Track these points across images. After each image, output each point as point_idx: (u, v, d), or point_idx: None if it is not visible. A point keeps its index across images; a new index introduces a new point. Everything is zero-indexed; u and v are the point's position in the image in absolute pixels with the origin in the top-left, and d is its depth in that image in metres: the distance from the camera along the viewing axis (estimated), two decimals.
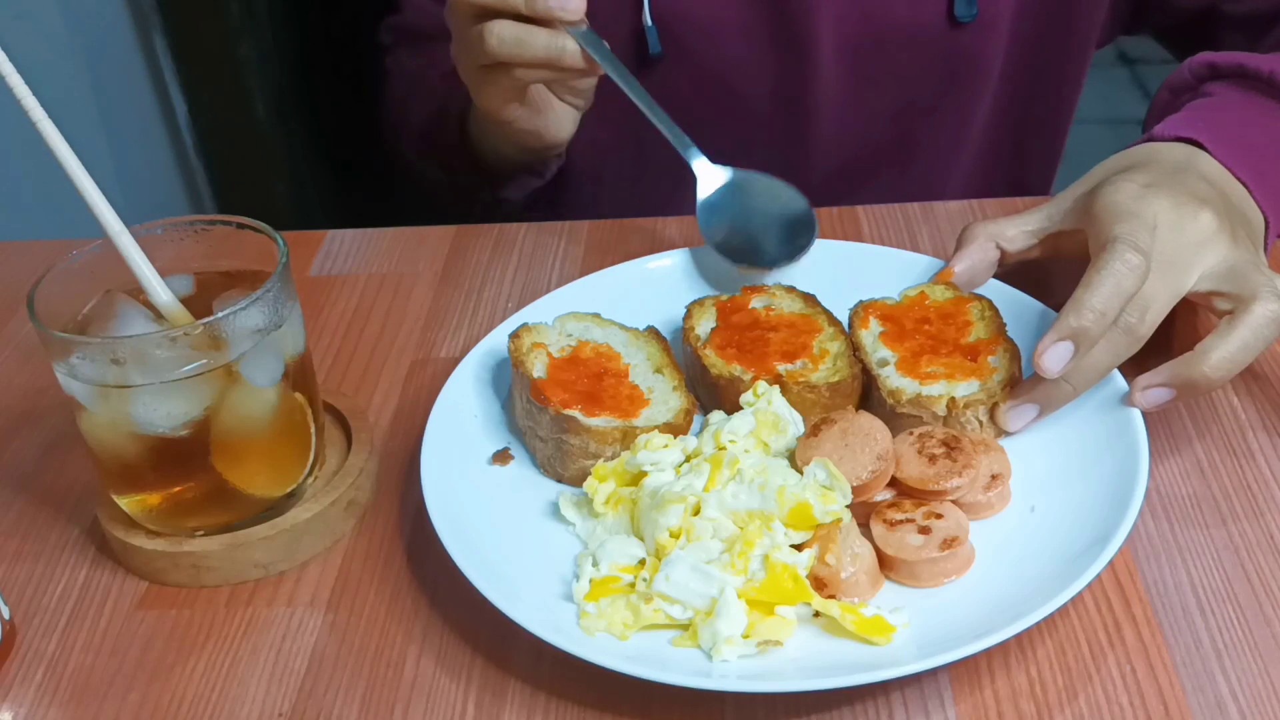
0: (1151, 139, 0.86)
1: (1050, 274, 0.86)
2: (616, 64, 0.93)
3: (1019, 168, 1.25)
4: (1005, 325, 0.81)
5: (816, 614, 0.66)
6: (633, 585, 0.68)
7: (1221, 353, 0.72)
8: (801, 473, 0.71)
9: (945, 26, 1.12)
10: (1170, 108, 0.94)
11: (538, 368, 0.80)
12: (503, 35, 0.91)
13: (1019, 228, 0.85)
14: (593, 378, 0.80)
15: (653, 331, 0.85)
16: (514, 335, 0.82)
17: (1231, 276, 0.75)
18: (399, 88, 1.26)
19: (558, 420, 0.75)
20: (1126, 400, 0.74)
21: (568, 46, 0.92)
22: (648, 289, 0.91)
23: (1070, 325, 0.71)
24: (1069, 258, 0.82)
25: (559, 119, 1.02)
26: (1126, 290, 0.72)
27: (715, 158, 1.18)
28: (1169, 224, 0.75)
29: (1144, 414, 0.74)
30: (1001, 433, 0.77)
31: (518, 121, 1.00)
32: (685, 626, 0.66)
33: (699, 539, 0.69)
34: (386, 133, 1.30)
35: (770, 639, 0.65)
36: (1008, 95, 1.19)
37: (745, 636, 0.65)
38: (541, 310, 0.87)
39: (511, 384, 0.82)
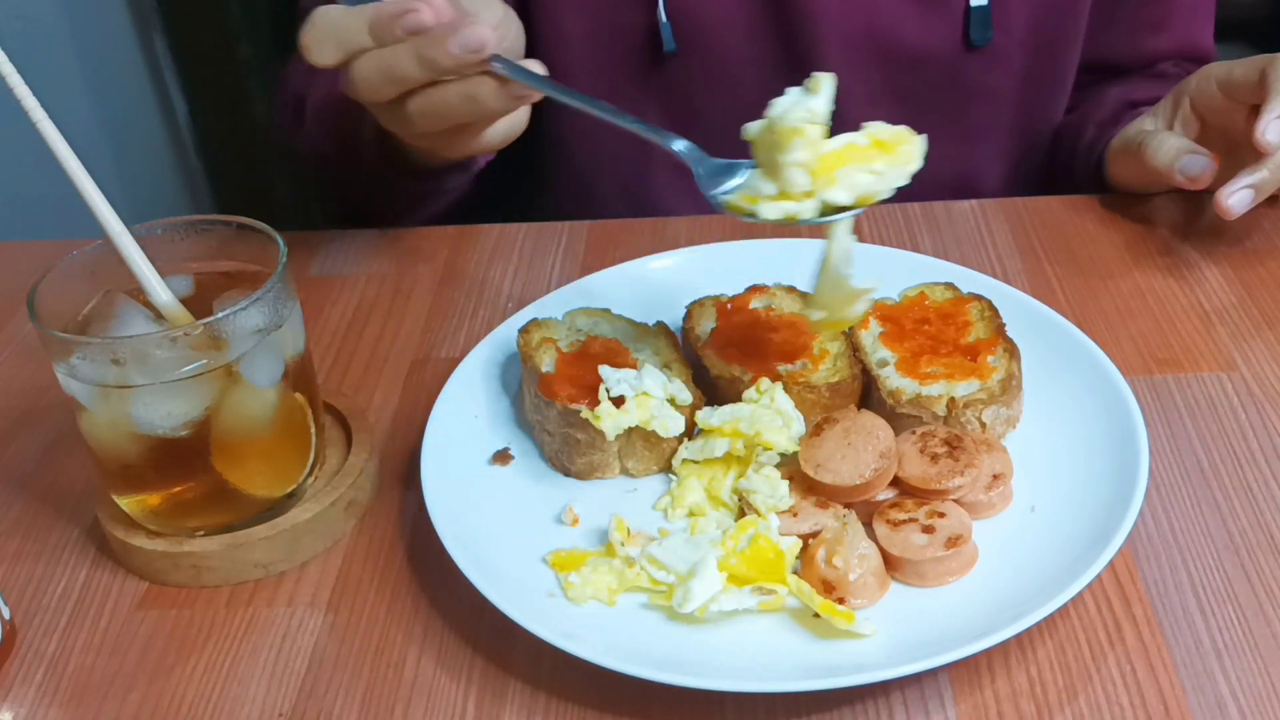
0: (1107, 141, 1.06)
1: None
2: (547, 81, 0.80)
3: (1019, 181, 1.25)
4: (1004, 325, 0.82)
5: (816, 615, 0.66)
6: (610, 550, 0.71)
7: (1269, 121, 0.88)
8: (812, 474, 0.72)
9: (959, 51, 1.12)
10: (1099, 140, 1.09)
11: (546, 362, 0.80)
12: (422, 112, 0.80)
13: (1180, 141, 0.96)
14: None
15: (662, 327, 0.85)
16: (524, 330, 0.82)
17: None
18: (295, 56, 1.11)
19: (565, 414, 0.75)
20: (1215, 209, 0.90)
21: (501, 92, 0.79)
22: (648, 288, 0.91)
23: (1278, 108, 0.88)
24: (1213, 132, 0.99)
25: (495, 131, 0.86)
26: None
27: (716, 154, 1.18)
28: None
29: (1142, 413, 0.74)
30: (1001, 433, 0.77)
31: (445, 150, 0.88)
32: (669, 593, 0.68)
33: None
34: (277, 109, 1.16)
35: (766, 589, 0.66)
36: (1015, 122, 1.19)
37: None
38: (544, 309, 0.87)
39: (521, 378, 0.82)
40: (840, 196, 0.67)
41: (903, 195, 1.13)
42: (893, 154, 0.69)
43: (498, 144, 0.87)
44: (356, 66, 0.80)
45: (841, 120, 1.17)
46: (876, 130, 0.70)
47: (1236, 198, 0.90)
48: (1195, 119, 0.99)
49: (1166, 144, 0.95)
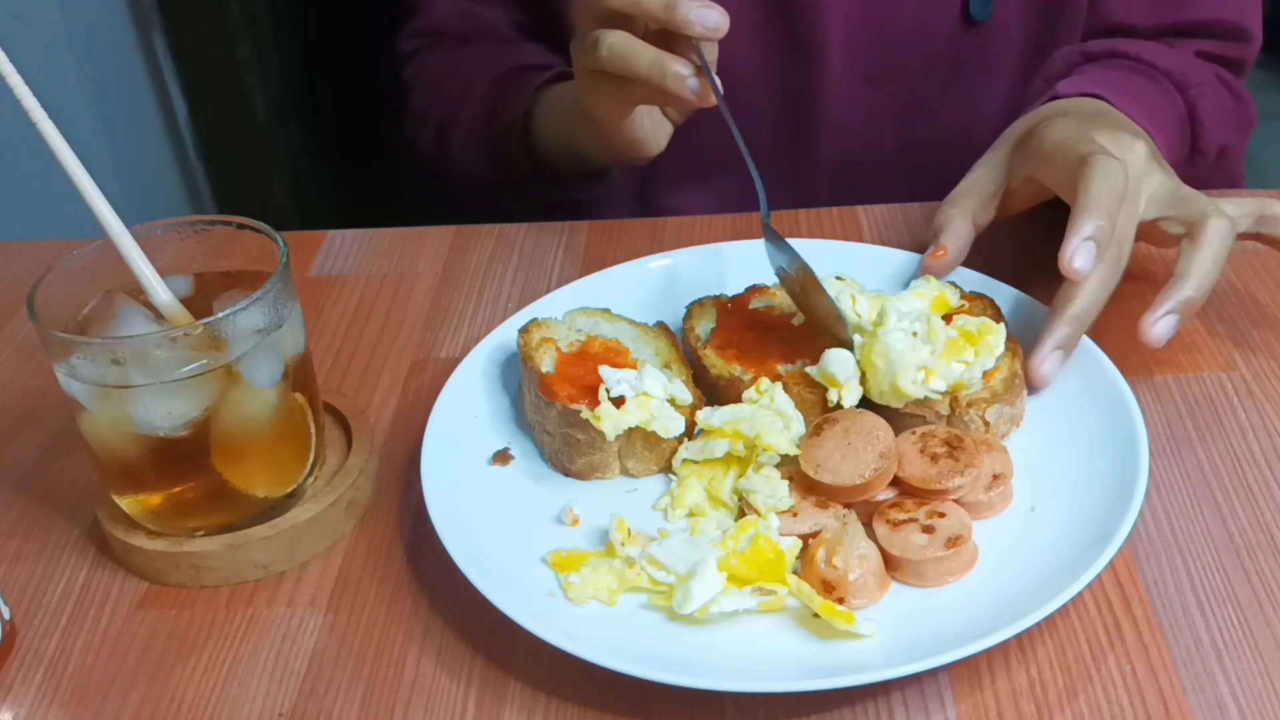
0: (1056, 96, 0.95)
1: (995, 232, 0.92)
2: (721, 95, 0.84)
3: None
4: (1007, 324, 0.81)
5: (815, 615, 0.66)
6: (610, 550, 0.71)
7: (1199, 272, 0.78)
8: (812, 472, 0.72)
9: (959, 26, 1.11)
10: (1041, 96, 0.99)
11: (546, 362, 0.80)
12: (613, 48, 0.84)
13: (982, 196, 0.90)
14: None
15: (661, 327, 0.85)
16: (523, 330, 0.82)
17: (1174, 201, 0.82)
18: (424, 95, 1.24)
19: (565, 414, 0.75)
20: (1142, 338, 0.78)
21: (684, 74, 0.83)
22: (648, 289, 0.91)
23: (1085, 228, 0.76)
24: (1015, 211, 0.91)
25: (658, 133, 0.96)
26: (1119, 189, 0.77)
27: (719, 153, 1.18)
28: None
29: (1142, 413, 0.74)
30: (1004, 433, 0.77)
31: (619, 130, 0.94)
32: (669, 594, 0.68)
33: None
34: (416, 142, 1.26)
35: (766, 589, 0.66)
36: (1016, 94, 1.19)
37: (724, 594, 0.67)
38: (544, 309, 0.87)
39: (521, 379, 0.82)
40: (938, 385, 0.75)
41: (903, 195, 1.13)
42: (979, 343, 0.77)
43: (654, 146, 0.95)
44: None
45: (842, 98, 1.18)
46: (965, 324, 0.77)
47: (1160, 326, 0.78)
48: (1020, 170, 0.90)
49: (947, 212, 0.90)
